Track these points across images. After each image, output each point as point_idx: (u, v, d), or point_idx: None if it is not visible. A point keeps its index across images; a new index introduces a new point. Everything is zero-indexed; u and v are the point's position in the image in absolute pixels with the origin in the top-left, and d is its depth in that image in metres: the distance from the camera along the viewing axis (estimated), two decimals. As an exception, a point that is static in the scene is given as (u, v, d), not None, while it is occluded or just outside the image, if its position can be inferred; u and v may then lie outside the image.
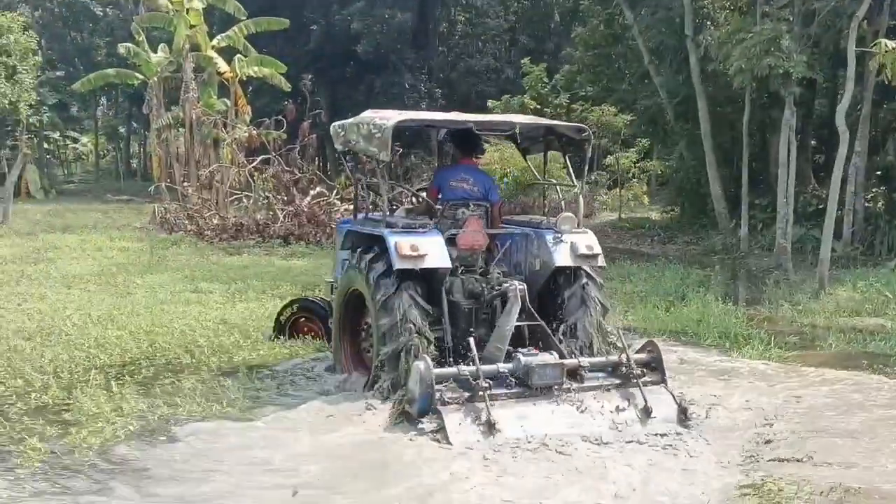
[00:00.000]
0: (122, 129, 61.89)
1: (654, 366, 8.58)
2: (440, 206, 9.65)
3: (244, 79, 33.58)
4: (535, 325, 8.83)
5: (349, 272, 9.28)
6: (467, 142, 9.90)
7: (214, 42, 32.78)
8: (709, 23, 28.10)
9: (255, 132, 28.10)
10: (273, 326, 11.51)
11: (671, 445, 7.54)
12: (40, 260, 19.56)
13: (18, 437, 7.45)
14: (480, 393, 7.74)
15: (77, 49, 55.22)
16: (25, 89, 29.75)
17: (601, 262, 9.42)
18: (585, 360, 8.51)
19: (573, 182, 10.26)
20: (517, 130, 9.44)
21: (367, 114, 9.67)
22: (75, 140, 62.66)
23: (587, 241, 9.33)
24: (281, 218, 24.48)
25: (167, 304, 13.91)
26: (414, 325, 8.45)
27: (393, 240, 8.58)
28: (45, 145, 54.63)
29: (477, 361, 7.96)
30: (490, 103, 37.14)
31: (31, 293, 14.87)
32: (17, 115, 31.04)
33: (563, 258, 9.18)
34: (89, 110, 58.58)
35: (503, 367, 8.15)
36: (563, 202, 10.10)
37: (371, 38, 42.49)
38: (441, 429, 7.52)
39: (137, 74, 34.21)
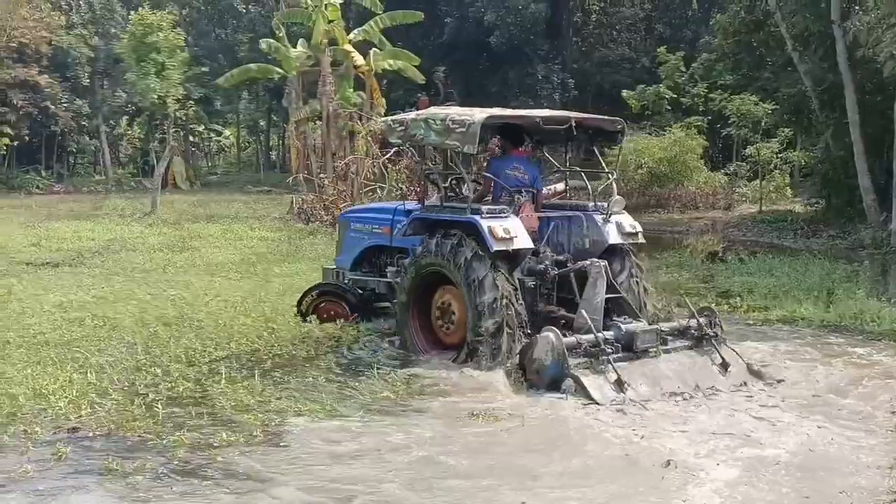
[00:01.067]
0: (262, 123, 63.79)
1: (715, 328, 9.61)
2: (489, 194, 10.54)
3: (379, 72, 34.04)
4: (617, 297, 9.75)
5: (424, 257, 9.93)
6: (517, 135, 10.83)
7: (351, 36, 33.36)
8: (857, 7, 26.80)
9: (389, 124, 28.40)
10: (296, 311, 11.88)
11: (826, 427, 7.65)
12: (186, 248, 20.35)
13: (157, 432, 7.53)
14: (604, 357, 8.74)
15: (221, 45, 57.21)
16: (173, 84, 30.97)
17: (641, 238, 10.54)
18: (665, 326, 9.65)
19: (606, 170, 11.37)
20: (573, 123, 10.27)
21: (435, 110, 10.85)
22: (218, 133, 65.05)
23: (630, 221, 10.48)
24: (414, 209, 24.65)
25: (299, 292, 14.18)
26: (510, 300, 9.28)
27: (486, 224, 9.36)
28: (191, 138, 56.89)
29: (594, 331, 8.93)
30: (624, 93, 36.60)
31: (176, 280, 15.46)
32: (166, 109, 32.37)
33: (614, 236, 10.26)
34: (232, 104, 60.58)
35: (608, 334, 9.08)
36: (590, 188, 10.88)
37: (504, 29, 42.45)
38: (580, 390, 8.43)
39: (277, 69, 35.14)
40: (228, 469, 6.78)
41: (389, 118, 11.32)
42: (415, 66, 34.01)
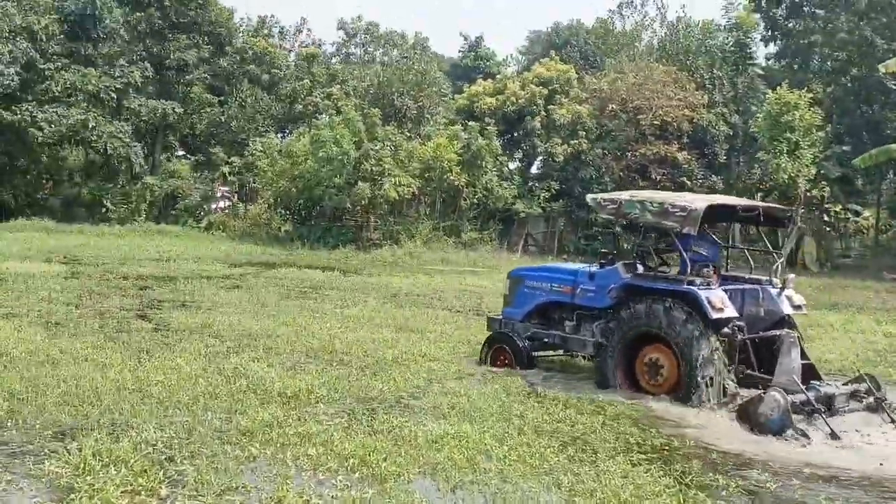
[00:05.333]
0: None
1: (881, 392, 11.29)
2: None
3: None
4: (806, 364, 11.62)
5: (635, 319, 11.69)
6: (713, 217, 12.72)
7: None
8: None
9: None
10: (479, 357, 13.76)
11: None
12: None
13: None
14: (818, 415, 10.32)
15: (866, 123, 54.32)
16: (805, 164, 30.13)
17: (805, 311, 12.63)
18: (844, 389, 11.26)
19: (774, 250, 13.74)
20: (760, 212, 12.35)
21: (649, 194, 13.06)
22: (856, 213, 61.58)
23: (798, 296, 12.39)
24: None
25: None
26: (720, 356, 11.14)
27: (704, 295, 11.09)
28: (825, 218, 54.59)
29: (806, 393, 10.58)
30: None
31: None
32: (795, 189, 31.61)
33: (787, 308, 12.11)
34: (874, 184, 57.12)
35: (810, 394, 10.61)
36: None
37: None
38: (805, 437, 9.97)
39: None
40: None
41: (600, 195, 13.05)
42: None
